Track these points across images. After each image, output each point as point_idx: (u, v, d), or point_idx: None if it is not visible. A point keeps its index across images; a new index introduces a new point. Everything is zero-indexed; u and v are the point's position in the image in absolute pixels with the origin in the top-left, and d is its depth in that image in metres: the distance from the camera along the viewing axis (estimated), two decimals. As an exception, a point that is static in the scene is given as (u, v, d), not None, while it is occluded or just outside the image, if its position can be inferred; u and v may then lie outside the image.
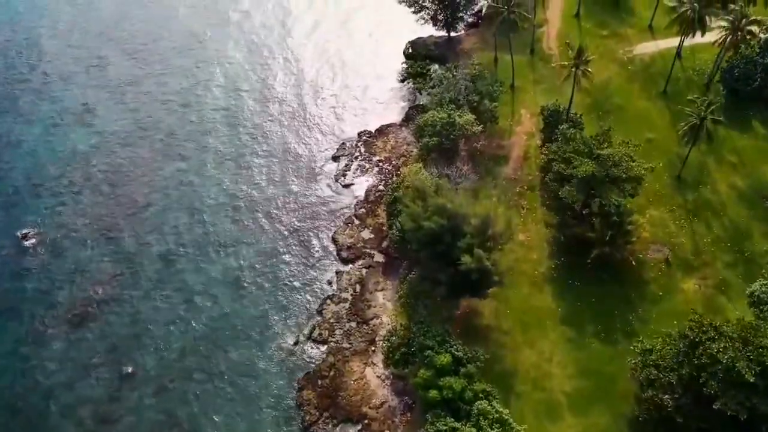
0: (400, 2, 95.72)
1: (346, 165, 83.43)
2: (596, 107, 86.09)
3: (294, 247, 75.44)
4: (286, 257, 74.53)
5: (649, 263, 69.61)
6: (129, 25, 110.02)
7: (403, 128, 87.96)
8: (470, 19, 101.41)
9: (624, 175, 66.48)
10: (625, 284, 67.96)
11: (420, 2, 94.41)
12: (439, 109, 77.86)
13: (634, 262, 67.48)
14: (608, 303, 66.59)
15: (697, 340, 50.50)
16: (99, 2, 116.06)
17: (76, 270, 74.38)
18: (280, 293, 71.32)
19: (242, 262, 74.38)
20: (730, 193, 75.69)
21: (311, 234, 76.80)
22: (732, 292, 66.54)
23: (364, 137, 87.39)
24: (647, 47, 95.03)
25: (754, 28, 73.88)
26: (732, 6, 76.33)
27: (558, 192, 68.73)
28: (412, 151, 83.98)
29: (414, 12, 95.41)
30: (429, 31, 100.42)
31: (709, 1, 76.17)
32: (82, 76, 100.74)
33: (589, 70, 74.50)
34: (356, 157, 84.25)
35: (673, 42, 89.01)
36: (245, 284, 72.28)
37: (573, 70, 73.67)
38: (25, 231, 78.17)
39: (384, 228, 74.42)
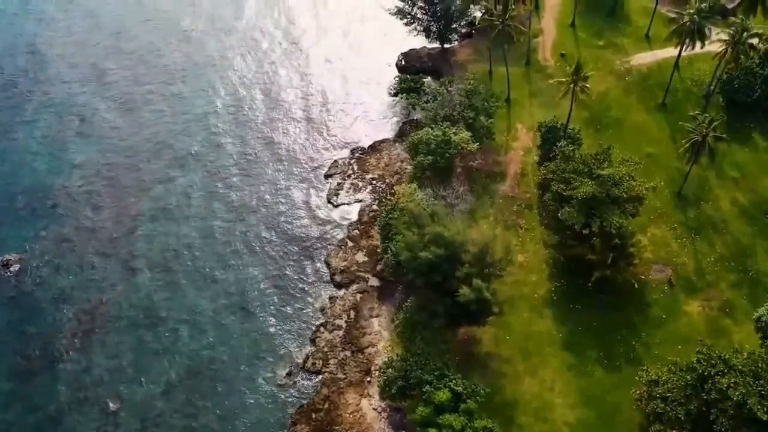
0: (392, 14, 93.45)
1: (339, 184, 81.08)
2: (594, 121, 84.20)
3: (286, 272, 72.98)
4: (278, 282, 72.08)
5: (651, 284, 67.71)
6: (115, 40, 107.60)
7: (397, 144, 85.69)
8: (464, 30, 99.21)
9: (625, 195, 64.57)
10: (628, 307, 66.02)
11: (412, 14, 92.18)
12: (433, 126, 75.68)
13: (636, 284, 65.46)
14: (610, 327, 64.62)
15: (705, 373, 48.59)
16: (98, 11, 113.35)
17: (60, 298, 71.69)
18: (271, 321, 68.90)
19: (231, 288, 71.90)
20: (732, 209, 73.92)
21: (303, 257, 74.37)
22: (737, 314, 64.76)
23: (357, 154, 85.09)
24: (644, 57, 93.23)
25: (755, 41, 72.10)
26: (733, 18, 74.59)
27: (557, 213, 66.84)
28: (406, 169, 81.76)
29: (406, 24, 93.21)
30: (422, 42, 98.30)
31: (709, 13, 74.40)
32: (71, 93, 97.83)
33: (587, 86, 72.49)
34: (349, 175, 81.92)
35: (671, 52, 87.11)
36: (235, 312, 69.78)
37: (571, 86, 71.49)
38: (6, 257, 75.41)
39: (378, 250, 72.14)
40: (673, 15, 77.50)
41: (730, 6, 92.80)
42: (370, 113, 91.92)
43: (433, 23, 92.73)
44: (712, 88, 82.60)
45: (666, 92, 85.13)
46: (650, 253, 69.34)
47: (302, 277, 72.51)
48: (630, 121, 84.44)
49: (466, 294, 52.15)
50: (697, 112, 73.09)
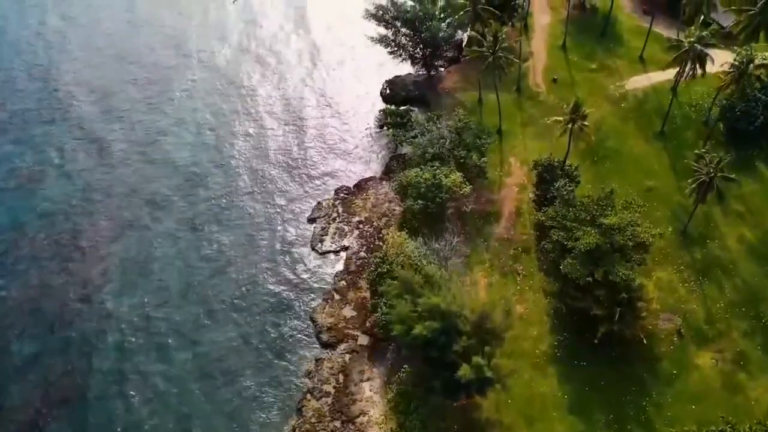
0: (375, 42, 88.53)
1: (323, 229, 75.92)
2: (591, 152, 79.96)
3: (267, 330, 67.62)
4: (259, 343, 66.67)
5: (659, 335, 63.50)
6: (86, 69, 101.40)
7: (384, 182, 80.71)
8: (450, 54, 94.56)
9: (630, 243, 60.35)
10: (636, 362, 61.75)
11: (396, 41, 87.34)
12: (422, 167, 70.93)
13: (644, 338, 61.19)
14: (618, 385, 60.30)
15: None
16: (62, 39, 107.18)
17: (22, 368, 65.77)
18: (252, 387, 63.47)
19: (208, 350, 66.30)
20: (739, 248, 69.95)
21: (286, 313, 69.04)
22: (752, 367, 60.79)
23: (342, 194, 79.94)
24: (639, 81, 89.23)
25: (761, 72, 68.16)
26: (737, 49, 70.76)
27: (557, 261, 62.56)
28: (394, 210, 76.87)
29: (390, 53, 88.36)
30: (407, 68, 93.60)
31: (711, 39, 70.39)
32: (37, 127, 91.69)
33: (586, 123, 68.11)
34: (334, 219, 76.81)
35: (666, 74, 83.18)
36: (212, 377, 64.21)
37: (569, 125, 67.08)
38: (-37, 321, 69.50)
39: (367, 303, 67.21)
40: (672, 43, 73.25)
41: (726, 25, 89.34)
42: (354, 148, 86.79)
43: (418, 50, 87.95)
44: (713, 119, 78.74)
45: (665, 121, 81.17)
46: (657, 300, 65.24)
47: (286, 336, 67.23)
48: (628, 151, 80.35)
49: (466, 374, 47.45)
50: (703, 150, 68.93)
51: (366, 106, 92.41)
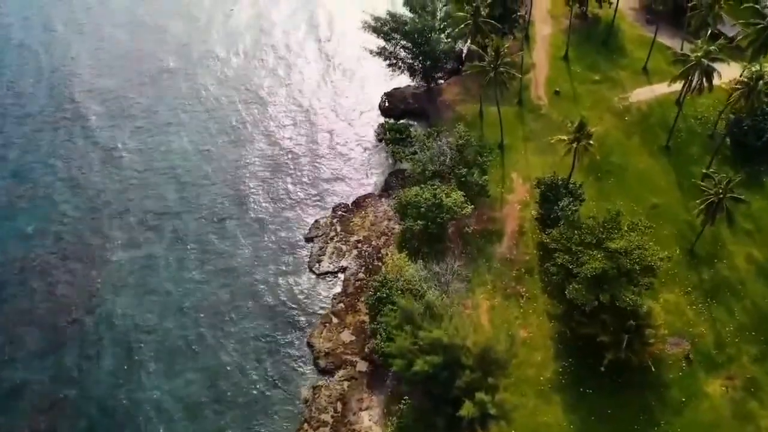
0: (373, 55, 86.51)
1: (321, 248, 73.86)
2: (594, 168, 77.83)
3: (263, 357, 65.49)
4: (254, 370, 64.50)
5: (667, 361, 61.59)
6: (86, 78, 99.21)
7: (383, 200, 78.67)
8: (450, 65, 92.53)
9: (637, 267, 58.40)
10: (644, 389, 59.87)
11: (395, 54, 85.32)
12: (422, 186, 68.95)
13: (652, 366, 59.20)
14: (626, 415, 58.43)
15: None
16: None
17: (11, 396, 63.68)
18: (247, 415, 61.32)
19: (201, 378, 64.12)
20: (748, 268, 68.19)
21: (282, 337, 66.94)
22: (763, 394, 59.05)
23: (340, 212, 77.85)
24: (643, 93, 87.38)
25: (770, 88, 66.33)
26: (746, 65, 68.93)
27: (562, 286, 60.58)
28: (393, 229, 74.86)
29: (389, 66, 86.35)
30: (406, 80, 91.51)
31: (718, 54, 68.53)
32: (32, 140, 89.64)
33: (591, 143, 66.15)
34: (332, 238, 74.74)
35: (671, 86, 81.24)
36: (204, 406, 62.10)
37: (574, 145, 65.12)
38: (-50, 347, 67.37)
39: (366, 328, 65.22)
40: (679, 56, 71.36)
41: (731, 35, 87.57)
42: (352, 163, 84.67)
43: (417, 63, 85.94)
44: (720, 133, 76.91)
45: (670, 135, 79.27)
46: (665, 324, 63.17)
47: (282, 361, 65.17)
48: (632, 167, 78.45)
49: (469, 412, 45.49)
50: (711, 170, 67.02)
51: (364, 119, 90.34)
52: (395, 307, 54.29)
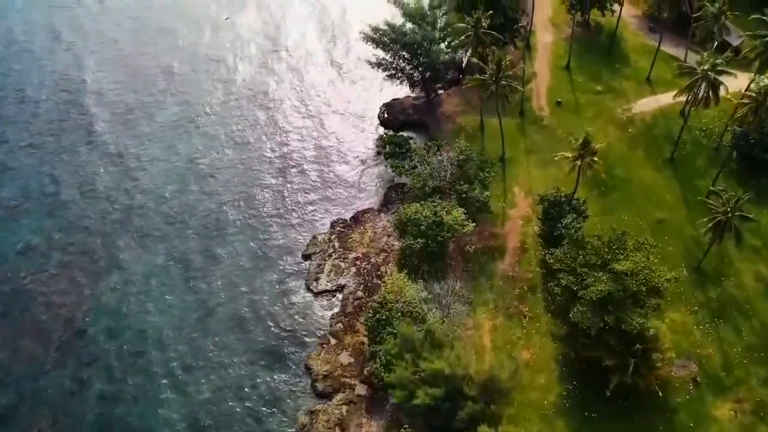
0: (372, 66, 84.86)
1: (319, 265, 72.19)
2: (597, 182, 76.27)
3: (258, 379, 63.71)
4: (250, 393, 62.70)
5: (674, 384, 60.01)
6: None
7: (382, 215, 77.00)
8: (450, 75, 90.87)
9: (644, 288, 56.78)
10: (650, 413, 58.27)
11: (395, 65, 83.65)
12: (422, 203, 67.34)
13: (659, 390, 57.56)
14: (633, 441, 56.99)
15: None
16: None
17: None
18: (244, 445, 60.07)
19: (195, 399, 62.42)
20: (756, 286, 66.62)
21: (279, 359, 65.16)
22: (773, 419, 57.51)
23: (338, 228, 76.20)
24: (647, 103, 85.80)
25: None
26: (753, 78, 67.35)
27: (566, 306, 59.07)
28: (393, 245, 73.20)
29: (388, 76, 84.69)
30: (406, 90, 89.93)
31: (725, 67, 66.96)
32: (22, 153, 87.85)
33: (596, 159, 64.56)
34: (330, 255, 73.06)
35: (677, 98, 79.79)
36: (199, 431, 60.63)
37: (578, 162, 63.51)
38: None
39: (365, 349, 63.59)
40: (684, 69, 69.75)
41: (736, 45, 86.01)
42: (350, 177, 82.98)
43: (417, 74, 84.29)
44: (725, 145, 75.36)
45: (675, 148, 77.70)
46: (671, 344, 61.50)
47: (279, 384, 63.47)
48: (637, 180, 76.86)
49: (472, 447, 44.05)
50: (719, 188, 65.42)
51: (363, 130, 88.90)
52: (394, 330, 52.62)
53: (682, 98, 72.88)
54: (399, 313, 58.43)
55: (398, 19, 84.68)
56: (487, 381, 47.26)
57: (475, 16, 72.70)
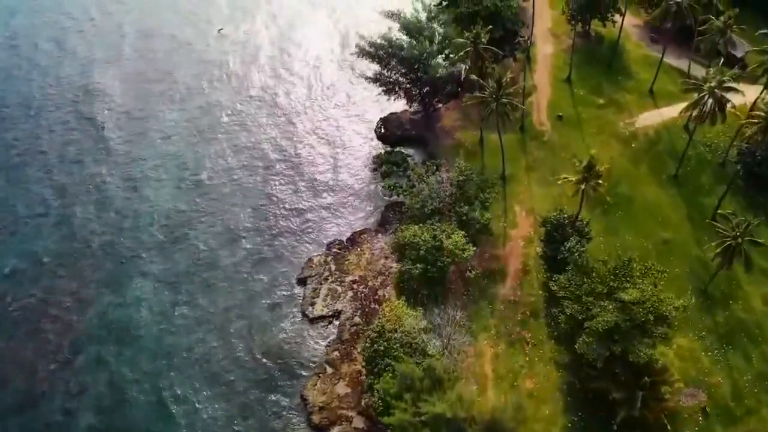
0: (369, 81, 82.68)
1: (315, 290, 69.97)
2: (600, 200, 74.04)
3: (253, 410, 61.30)
4: (243, 426, 60.44)
5: (683, 414, 58.03)
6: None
7: (379, 236, 74.75)
8: (448, 88, 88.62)
9: (651, 317, 54.74)
10: (658, 446, 56.37)
11: (392, 80, 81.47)
12: (421, 225, 65.21)
13: (667, 424, 55.59)
14: (641, 477, 54.95)
15: None
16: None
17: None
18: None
19: (188, 433, 60.66)
20: (765, 310, 64.73)
21: (273, 389, 62.85)
22: (785, 452, 55.63)
23: (335, 249, 73.94)
24: (650, 117, 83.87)
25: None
26: (762, 97, 65.45)
27: (570, 334, 57.15)
28: (391, 267, 70.99)
29: (385, 92, 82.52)
30: (403, 104, 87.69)
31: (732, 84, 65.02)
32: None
33: (601, 182, 62.52)
34: (326, 278, 70.85)
35: (679, 109, 77.68)
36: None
37: (582, 186, 61.45)
38: None
39: (363, 379, 61.43)
40: (689, 85, 67.76)
41: (740, 56, 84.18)
42: (346, 196, 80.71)
43: (415, 89, 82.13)
44: (731, 161, 73.40)
45: (679, 164, 75.71)
46: (679, 372, 59.62)
47: (273, 416, 61.11)
48: (641, 198, 74.88)
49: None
50: (729, 212, 63.43)
51: (359, 146, 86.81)
52: (393, 363, 50.50)
53: (684, 105, 70.90)
54: (398, 344, 56.27)
55: (395, 32, 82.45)
56: (490, 422, 45.20)
57: (474, 30, 70.62)
